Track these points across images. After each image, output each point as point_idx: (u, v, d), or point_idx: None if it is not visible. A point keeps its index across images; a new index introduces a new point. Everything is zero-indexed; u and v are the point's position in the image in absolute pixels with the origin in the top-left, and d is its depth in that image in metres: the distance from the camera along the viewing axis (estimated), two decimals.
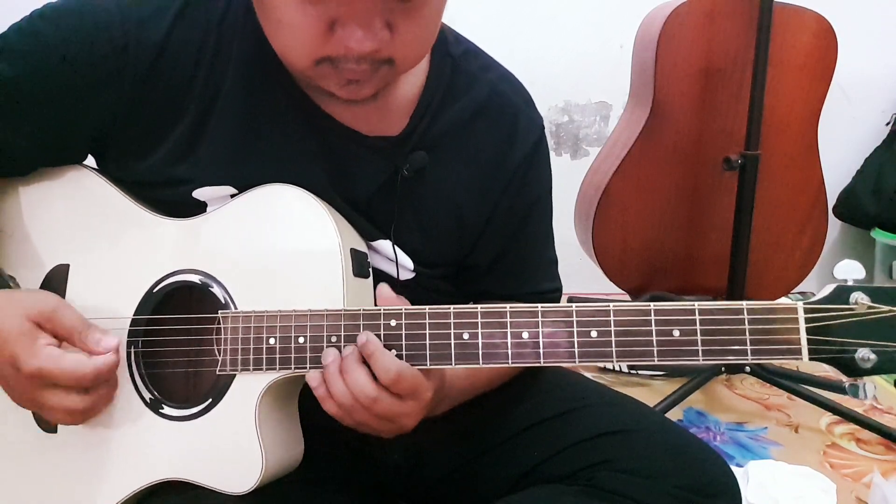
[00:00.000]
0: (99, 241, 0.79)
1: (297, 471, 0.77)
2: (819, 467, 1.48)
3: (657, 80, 1.62)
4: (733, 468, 0.85)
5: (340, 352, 0.70)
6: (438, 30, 0.76)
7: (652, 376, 1.90)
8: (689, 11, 1.59)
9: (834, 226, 2.08)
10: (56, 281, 0.79)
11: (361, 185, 0.81)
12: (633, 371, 1.92)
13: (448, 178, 0.84)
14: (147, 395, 0.75)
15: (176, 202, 0.78)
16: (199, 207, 0.79)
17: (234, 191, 0.78)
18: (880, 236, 2.13)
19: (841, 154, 2.18)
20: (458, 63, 0.85)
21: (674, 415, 1.65)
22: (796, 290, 1.81)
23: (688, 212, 1.71)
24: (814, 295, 0.66)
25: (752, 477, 1.37)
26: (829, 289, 0.65)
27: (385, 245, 0.83)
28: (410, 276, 0.85)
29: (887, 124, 2.24)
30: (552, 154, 2.25)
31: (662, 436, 0.83)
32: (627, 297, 1.84)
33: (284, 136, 0.79)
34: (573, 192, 1.81)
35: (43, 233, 0.81)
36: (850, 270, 0.65)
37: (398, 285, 0.84)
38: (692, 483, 0.78)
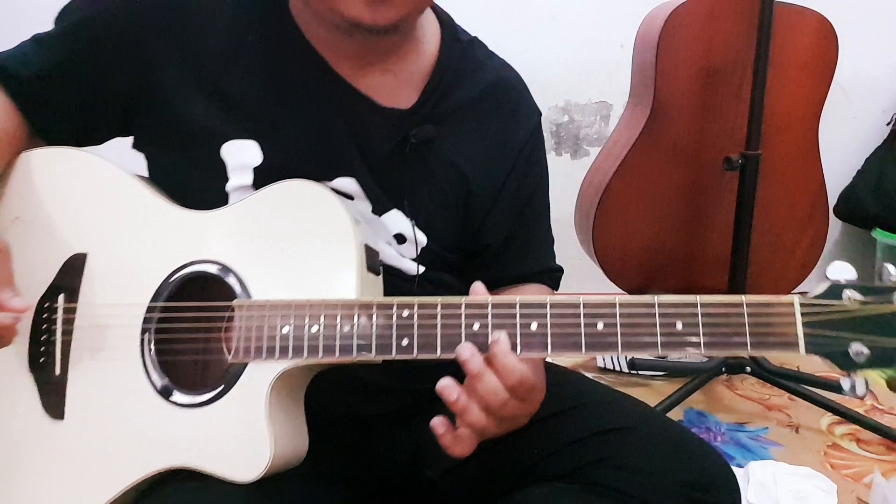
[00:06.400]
0: (117, 230, 0.81)
1: (300, 466, 0.77)
2: (820, 468, 1.48)
3: (657, 79, 1.62)
4: (734, 468, 0.86)
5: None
6: None
7: (652, 376, 1.90)
8: (690, 11, 1.59)
9: (834, 226, 2.07)
10: (73, 269, 0.80)
11: (374, 148, 0.84)
12: (633, 371, 1.91)
13: (456, 151, 0.88)
14: (158, 382, 0.76)
15: (201, 162, 0.81)
16: (221, 173, 0.81)
17: (256, 145, 0.81)
18: (881, 236, 2.12)
19: (841, 154, 2.17)
20: (466, 49, 0.91)
21: (674, 415, 1.65)
22: (797, 290, 1.80)
23: (688, 212, 1.71)
24: None
25: (752, 477, 1.38)
26: (823, 286, 0.67)
27: (397, 217, 0.85)
28: (419, 253, 0.86)
29: (888, 124, 2.24)
30: (552, 154, 2.28)
31: (661, 433, 0.84)
32: None
33: (305, 97, 0.83)
34: (573, 192, 1.81)
35: (62, 221, 0.82)
36: (842, 272, 0.67)
37: (405, 279, 0.85)
38: (691, 479, 0.79)
